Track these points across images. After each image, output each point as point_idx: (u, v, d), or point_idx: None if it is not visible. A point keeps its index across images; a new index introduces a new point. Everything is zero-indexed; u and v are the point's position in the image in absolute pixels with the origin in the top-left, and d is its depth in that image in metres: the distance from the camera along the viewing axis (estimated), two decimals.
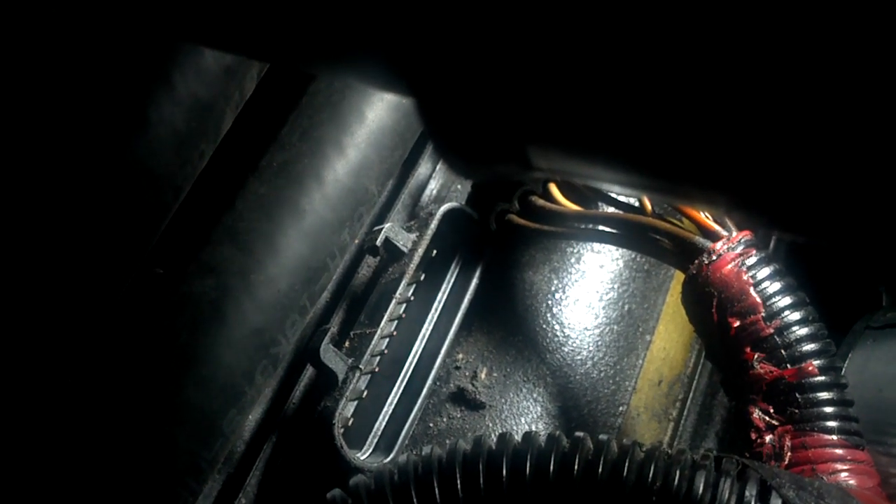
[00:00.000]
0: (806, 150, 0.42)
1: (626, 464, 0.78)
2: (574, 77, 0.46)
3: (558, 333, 1.12)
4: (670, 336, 1.19)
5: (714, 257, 0.92)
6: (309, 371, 1.06)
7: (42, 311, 0.77)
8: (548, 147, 0.52)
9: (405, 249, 1.07)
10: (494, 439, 0.83)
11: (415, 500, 0.80)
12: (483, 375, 1.10)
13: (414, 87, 0.51)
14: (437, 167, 1.22)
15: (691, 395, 1.21)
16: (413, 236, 1.08)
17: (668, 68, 0.42)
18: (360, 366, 1.01)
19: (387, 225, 1.07)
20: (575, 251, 1.17)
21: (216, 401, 0.84)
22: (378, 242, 1.06)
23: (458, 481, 0.80)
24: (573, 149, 0.51)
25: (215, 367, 0.84)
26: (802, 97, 0.38)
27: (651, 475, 0.77)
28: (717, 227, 0.95)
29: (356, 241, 1.09)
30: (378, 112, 0.99)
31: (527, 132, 0.51)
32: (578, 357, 1.11)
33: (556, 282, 1.15)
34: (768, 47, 0.37)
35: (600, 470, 0.78)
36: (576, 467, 0.78)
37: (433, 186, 1.21)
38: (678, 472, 0.76)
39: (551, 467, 0.79)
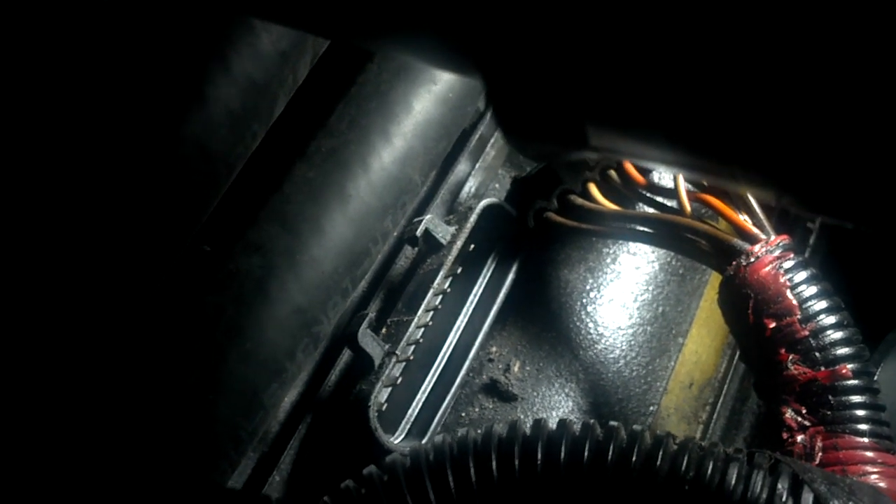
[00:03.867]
0: (864, 133, 0.44)
1: (660, 454, 0.79)
2: (635, 56, 0.48)
3: (592, 331, 1.13)
4: (703, 340, 1.20)
5: (752, 259, 0.93)
6: (345, 356, 1.07)
7: (98, 277, 0.80)
8: (607, 126, 0.53)
9: (444, 241, 1.09)
10: (529, 424, 0.84)
11: (451, 480, 0.81)
12: (516, 368, 1.11)
13: (480, 65, 0.53)
14: (477, 165, 1.23)
15: (721, 399, 1.21)
16: (452, 229, 1.10)
17: (724, 48, 0.43)
18: (397, 352, 1.02)
19: (427, 216, 1.09)
20: (611, 252, 1.18)
21: (259, 374, 0.86)
22: (418, 233, 1.08)
23: (494, 463, 0.81)
24: (631, 128, 0.53)
25: (259, 342, 0.86)
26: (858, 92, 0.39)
27: (684, 466, 0.78)
28: (755, 231, 0.96)
29: (397, 231, 1.10)
30: (425, 104, 1.01)
31: (587, 110, 0.52)
32: (611, 355, 1.13)
33: (591, 281, 1.16)
34: (832, 28, 0.39)
35: (634, 459, 0.79)
36: (609, 455, 0.79)
37: (472, 184, 1.22)
38: (711, 464, 0.77)
39: (585, 454, 0.80)
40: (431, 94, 1.01)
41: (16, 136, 0.79)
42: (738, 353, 1.23)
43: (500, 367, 1.12)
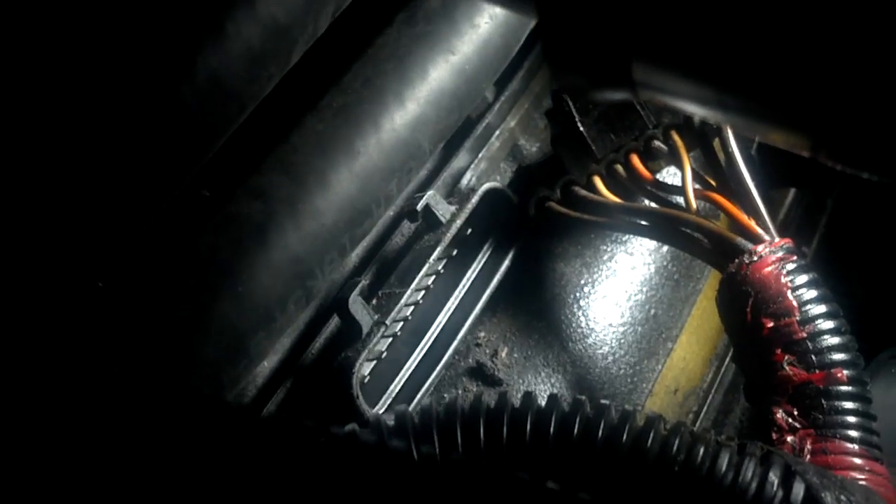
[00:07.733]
0: None
1: (651, 435, 0.77)
2: None
3: (583, 325, 1.12)
4: (692, 348, 1.19)
5: (755, 258, 0.92)
6: (332, 325, 1.05)
7: (96, 206, 0.77)
8: (653, 62, 0.53)
9: (443, 219, 1.07)
10: (519, 397, 0.82)
11: (436, 444, 0.79)
12: (504, 355, 1.09)
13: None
14: (480, 155, 1.21)
15: (705, 409, 1.20)
16: (453, 208, 1.08)
17: None
18: (386, 322, 1.00)
19: (429, 192, 1.07)
20: (608, 249, 1.17)
21: (248, 320, 0.84)
22: (418, 207, 1.06)
23: (482, 432, 0.79)
24: (677, 65, 0.52)
25: (252, 287, 0.84)
26: None
27: (675, 449, 0.76)
28: (760, 231, 0.95)
29: (397, 204, 1.08)
30: (441, 73, 1.00)
31: (635, 46, 0.52)
32: (600, 351, 1.11)
33: (586, 275, 1.15)
34: None
35: (624, 439, 0.77)
36: (599, 433, 0.78)
37: (472, 174, 1.20)
38: (702, 450, 0.76)
39: (575, 429, 0.78)
40: (448, 63, 1.00)
41: (25, 55, 0.77)
42: (724, 364, 1.23)
43: (488, 351, 1.10)
